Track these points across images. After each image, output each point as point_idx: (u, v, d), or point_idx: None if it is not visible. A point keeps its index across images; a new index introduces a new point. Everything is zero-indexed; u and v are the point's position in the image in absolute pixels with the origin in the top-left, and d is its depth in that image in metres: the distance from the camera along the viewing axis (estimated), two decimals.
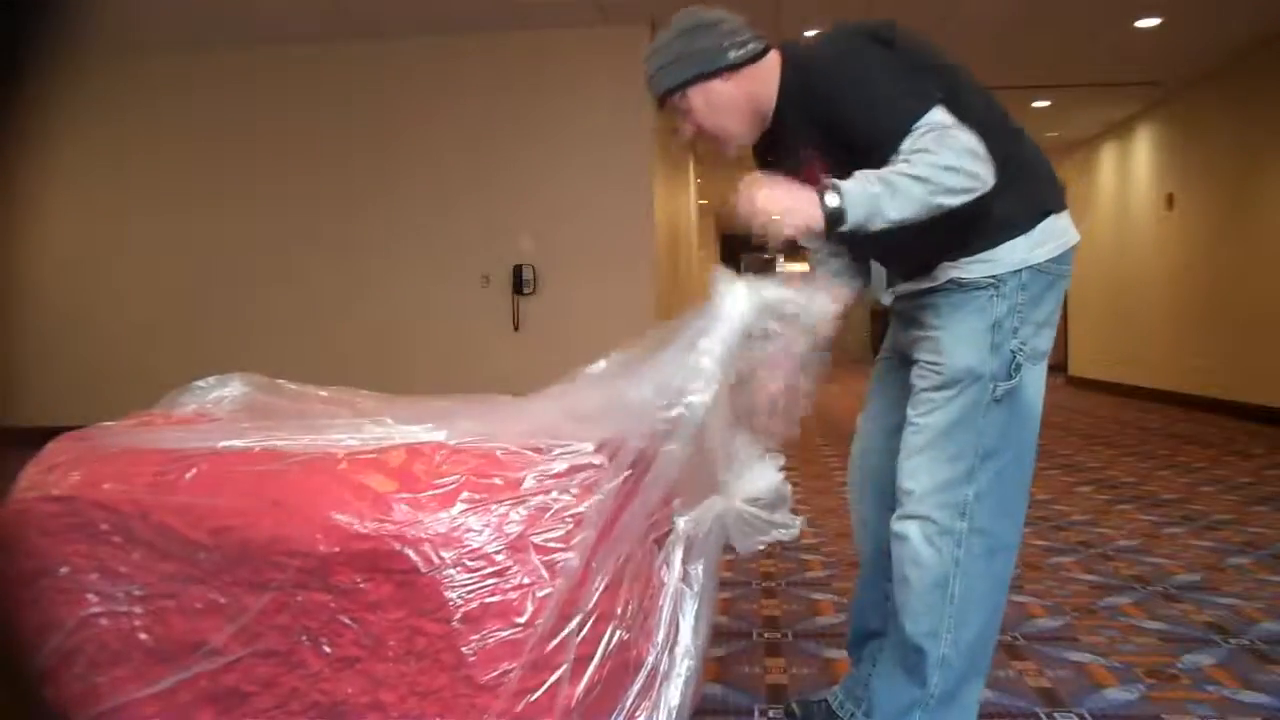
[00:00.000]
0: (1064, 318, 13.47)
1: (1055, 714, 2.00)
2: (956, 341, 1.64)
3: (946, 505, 1.64)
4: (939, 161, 1.46)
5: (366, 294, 6.85)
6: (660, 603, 1.56)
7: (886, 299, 1.80)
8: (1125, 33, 6.88)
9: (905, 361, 1.78)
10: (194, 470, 1.55)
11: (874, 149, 1.52)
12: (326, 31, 6.56)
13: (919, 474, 1.67)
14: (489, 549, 1.40)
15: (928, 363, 1.68)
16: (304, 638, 1.45)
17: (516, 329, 6.71)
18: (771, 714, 2.05)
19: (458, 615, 1.38)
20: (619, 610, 1.48)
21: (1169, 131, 9.04)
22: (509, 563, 1.40)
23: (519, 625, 1.39)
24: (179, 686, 1.50)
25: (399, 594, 1.40)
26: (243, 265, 6.95)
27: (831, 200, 1.46)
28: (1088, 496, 4.38)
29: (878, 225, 1.48)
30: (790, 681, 2.22)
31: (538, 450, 1.51)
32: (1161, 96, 8.85)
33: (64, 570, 1.56)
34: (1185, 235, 8.63)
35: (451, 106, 6.76)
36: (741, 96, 1.66)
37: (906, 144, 1.49)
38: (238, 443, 1.61)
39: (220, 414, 1.85)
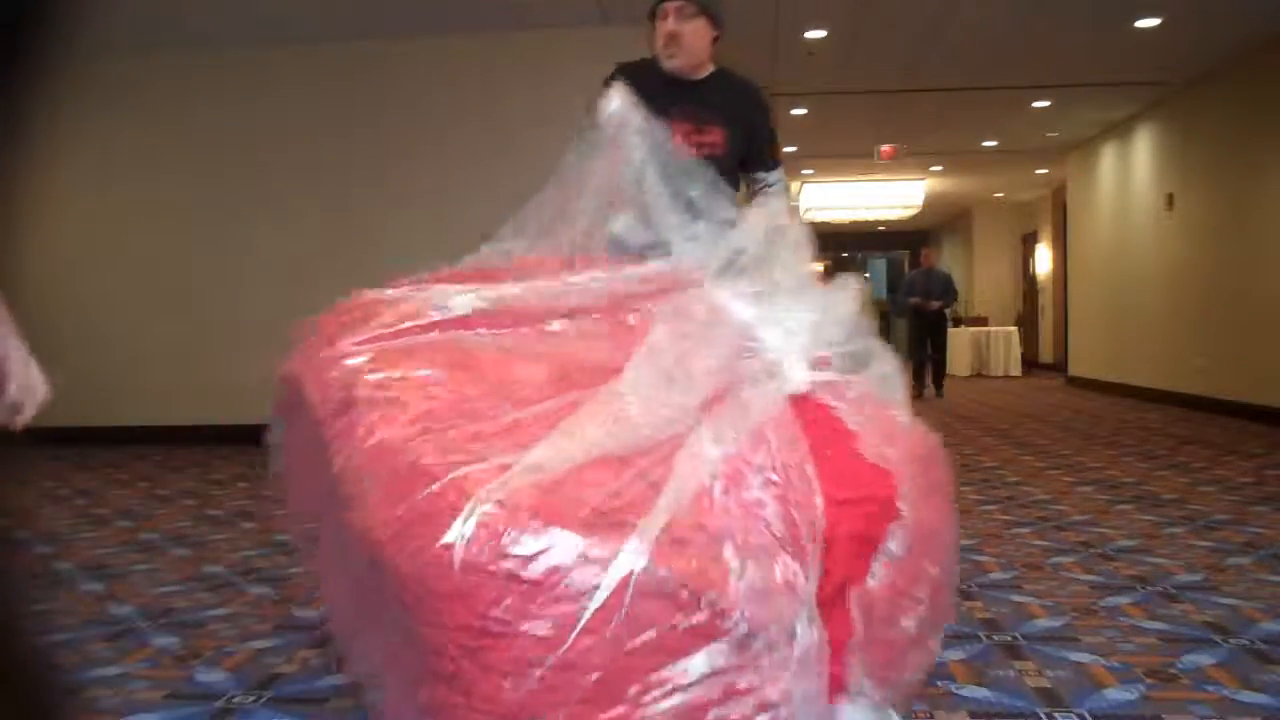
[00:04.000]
0: (1064, 318, 13.34)
1: (1055, 714, 2.00)
2: None
3: None
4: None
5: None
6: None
7: None
8: (1125, 33, 6.88)
9: None
10: None
11: (756, 150, 2.71)
12: (326, 31, 6.57)
13: None
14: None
15: None
16: None
17: None
18: None
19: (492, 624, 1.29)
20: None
21: (1169, 131, 9.04)
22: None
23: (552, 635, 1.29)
24: None
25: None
26: (242, 266, 6.95)
27: None
28: (1088, 496, 4.38)
29: None
30: None
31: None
32: (1161, 96, 8.85)
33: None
34: (1185, 236, 8.63)
35: (452, 107, 6.75)
36: (705, 48, 2.63)
37: (775, 176, 2.76)
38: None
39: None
